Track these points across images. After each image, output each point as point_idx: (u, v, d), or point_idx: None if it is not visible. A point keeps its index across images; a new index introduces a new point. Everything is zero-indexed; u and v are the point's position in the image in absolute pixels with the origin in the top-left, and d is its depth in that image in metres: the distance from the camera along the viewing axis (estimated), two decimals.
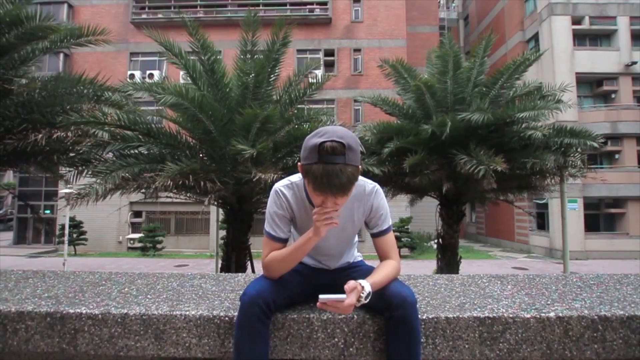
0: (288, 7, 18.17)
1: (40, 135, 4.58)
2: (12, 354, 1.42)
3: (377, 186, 1.28)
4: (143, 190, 5.06)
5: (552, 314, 1.24)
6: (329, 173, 1.01)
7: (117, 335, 1.26)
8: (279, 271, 1.23)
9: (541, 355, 1.21)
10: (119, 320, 1.26)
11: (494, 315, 1.25)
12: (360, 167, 1.09)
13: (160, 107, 5.56)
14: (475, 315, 1.25)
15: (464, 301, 1.40)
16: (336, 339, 1.23)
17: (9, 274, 1.87)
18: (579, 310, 1.27)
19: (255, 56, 5.69)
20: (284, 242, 1.27)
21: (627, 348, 1.22)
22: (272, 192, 1.28)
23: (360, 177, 1.18)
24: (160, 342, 1.25)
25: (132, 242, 16.96)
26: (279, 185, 1.27)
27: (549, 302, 1.38)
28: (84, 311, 1.28)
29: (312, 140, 1.05)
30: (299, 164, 1.13)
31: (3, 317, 1.29)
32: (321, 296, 1.08)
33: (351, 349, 1.23)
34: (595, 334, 1.23)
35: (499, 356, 1.23)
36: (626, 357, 1.23)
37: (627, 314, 1.24)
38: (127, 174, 4.63)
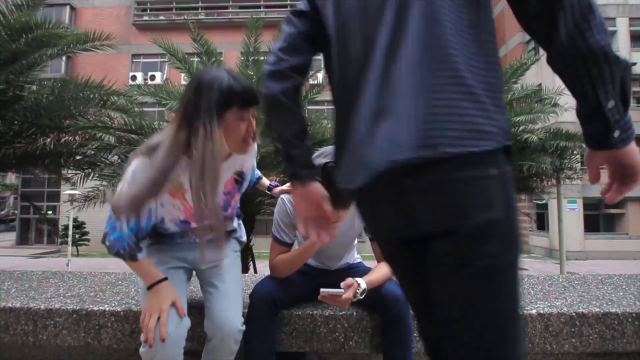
0: (289, 8, 18.24)
1: (49, 140, 4.71)
2: (40, 347, 1.55)
3: None
4: None
5: (533, 311, 1.36)
6: (333, 191, 1.13)
7: (138, 330, 1.37)
8: (286, 272, 1.36)
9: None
10: (140, 316, 1.38)
11: None
12: None
13: (162, 109, 5.67)
14: None
15: None
16: (337, 334, 1.35)
17: (30, 274, 1.99)
18: (559, 308, 1.39)
19: (258, 60, 5.80)
20: (289, 245, 1.40)
21: (602, 342, 1.34)
22: (279, 200, 1.41)
23: None
24: None
25: None
26: (285, 195, 1.39)
27: (532, 301, 1.49)
28: (106, 309, 1.41)
29: (316, 160, 1.17)
30: None
31: (33, 314, 1.42)
32: (322, 290, 1.22)
33: (350, 343, 1.35)
34: (573, 329, 1.34)
35: None
36: (601, 350, 1.35)
37: (602, 311, 1.36)
38: None
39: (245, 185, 1.34)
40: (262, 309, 1.26)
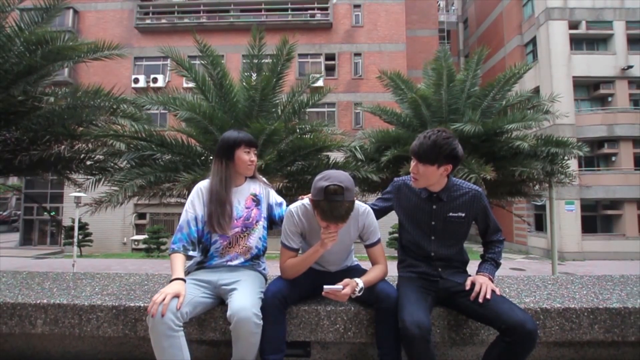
0: (290, 12, 18.47)
1: (62, 147, 4.94)
2: (80, 339, 1.80)
3: (368, 207, 1.66)
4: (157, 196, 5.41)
5: None
6: (332, 208, 1.39)
7: None
8: (294, 274, 1.60)
9: (495, 338, 1.57)
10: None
11: None
12: (355, 199, 1.47)
13: (165, 111, 5.87)
14: (444, 307, 1.61)
15: None
16: (338, 325, 1.60)
17: (63, 275, 2.23)
18: (527, 304, 1.63)
19: (261, 69, 6.03)
20: (296, 251, 1.65)
21: (562, 332, 1.58)
22: (287, 212, 1.66)
23: (355, 202, 1.55)
24: (202, 328, 1.61)
25: (136, 243, 17.29)
26: (293, 207, 1.64)
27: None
28: (141, 305, 1.65)
29: (320, 182, 1.42)
30: (309, 197, 1.50)
31: (79, 309, 1.66)
32: (325, 287, 1.48)
33: (349, 333, 1.59)
34: (537, 322, 1.58)
35: (462, 339, 1.59)
36: (561, 340, 1.59)
37: (563, 307, 1.60)
38: (143, 182, 4.99)
39: (264, 205, 1.85)
40: (274, 305, 1.51)
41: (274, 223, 1.86)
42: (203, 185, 1.77)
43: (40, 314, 1.66)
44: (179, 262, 1.58)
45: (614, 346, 1.71)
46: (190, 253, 1.65)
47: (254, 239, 1.76)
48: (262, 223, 1.80)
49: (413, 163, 1.61)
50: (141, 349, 1.80)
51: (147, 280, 2.10)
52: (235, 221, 1.72)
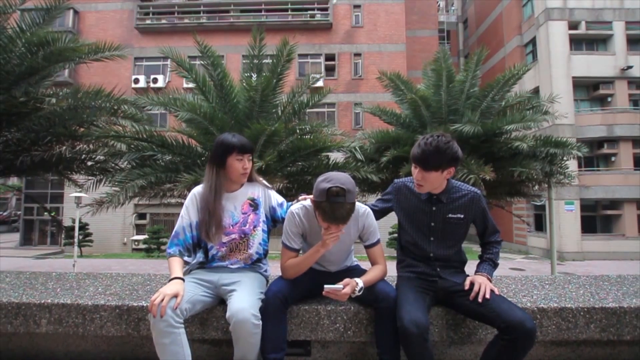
0: (290, 12, 18.49)
1: (64, 147, 4.97)
2: (83, 338, 1.82)
3: (368, 209, 1.68)
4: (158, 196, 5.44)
5: None
6: (334, 209, 1.41)
7: None
8: (295, 274, 1.63)
9: (493, 337, 1.59)
10: None
11: None
12: (355, 201, 1.50)
13: (165, 112, 5.89)
14: (443, 307, 1.63)
15: None
16: (338, 325, 1.62)
17: (66, 275, 2.26)
18: (524, 304, 1.65)
19: (262, 69, 6.06)
20: (297, 251, 1.67)
21: (559, 332, 1.61)
22: (288, 213, 1.68)
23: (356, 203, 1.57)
24: (204, 327, 1.63)
25: (136, 243, 17.31)
26: (294, 208, 1.67)
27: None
28: (144, 304, 1.67)
29: (322, 184, 1.45)
30: (311, 198, 1.53)
31: (82, 309, 1.68)
32: (325, 286, 1.50)
33: (349, 332, 1.62)
34: (534, 321, 1.60)
35: (460, 338, 1.62)
36: (557, 339, 1.62)
37: (559, 306, 1.63)
38: (144, 183, 5.02)
39: (262, 209, 1.81)
40: (275, 304, 1.53)
41: (277, 222, 1.86)
42: (197, 191, 1.75)
43: (45, 313, 1.69)
44: (176, 263, 1.61)
45: (610, 345, 1.74)
46: (186, 258, 1.69)
47: (254, 245, 1.75)
48: (262, 227, 1.77)
49: (416, 170, 1.61)
50: (144, 348, 1.82)
51: (150, 280, 2.12)
52: (231, 227, 1.71)
